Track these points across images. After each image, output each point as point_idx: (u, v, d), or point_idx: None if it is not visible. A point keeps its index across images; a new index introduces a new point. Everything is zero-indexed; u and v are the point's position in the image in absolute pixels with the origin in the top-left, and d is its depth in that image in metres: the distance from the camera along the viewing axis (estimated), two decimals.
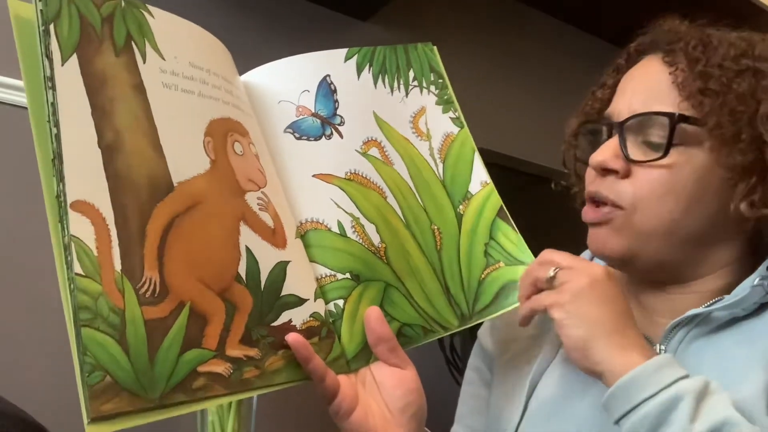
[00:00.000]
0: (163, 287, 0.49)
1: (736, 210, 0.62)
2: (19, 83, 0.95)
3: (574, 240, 0.72)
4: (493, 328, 0.81)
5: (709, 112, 0.61)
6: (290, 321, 0.57)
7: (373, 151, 0.69)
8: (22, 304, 0.92)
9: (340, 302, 0.62)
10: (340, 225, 0.64)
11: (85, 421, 0.44)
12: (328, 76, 0.70)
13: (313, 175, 0.66)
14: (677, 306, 0.67)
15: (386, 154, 0.70)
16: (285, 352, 0.55)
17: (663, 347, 0.65)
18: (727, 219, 0.64)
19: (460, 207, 0.72)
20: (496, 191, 0.73)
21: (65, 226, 0.46)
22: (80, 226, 0.46)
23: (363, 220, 0.65)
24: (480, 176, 0.73)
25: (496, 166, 0.89)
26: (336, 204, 0.65)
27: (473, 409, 0.78)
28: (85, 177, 0.48)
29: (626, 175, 0.64)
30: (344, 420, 0.58)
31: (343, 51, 0.72)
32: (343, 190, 0.65)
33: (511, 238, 0.71)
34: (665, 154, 0.62)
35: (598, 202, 0.67)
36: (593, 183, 0.67)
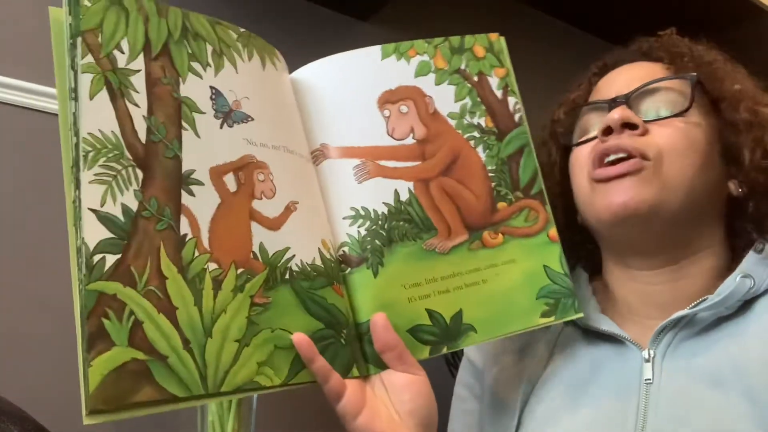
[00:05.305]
0: None
1: (725, 182, 0.69)
2: (19, 83, 0.92)
3: None
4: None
5: (710, 82, 0.70)
6: None
7: None
8: (23, 304, 0.92)
9: None
10: None
11: None
12: None
13: None
14: (668, 298, 0.68)
15: None
16: None
17: (652, 351, 0.65)
18: (720, 195, 0.69)
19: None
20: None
21: None
22: None
23: None
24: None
25: None
26: None
27: (466, 425, 0.78)
28: None
29: (644, 133, 0.67)
30: (351, 423, 0.58)
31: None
32: None
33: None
34: (688, 109, 0.67)
35: (614, 160, 0.67)
36: (609, 139, 0.68)
